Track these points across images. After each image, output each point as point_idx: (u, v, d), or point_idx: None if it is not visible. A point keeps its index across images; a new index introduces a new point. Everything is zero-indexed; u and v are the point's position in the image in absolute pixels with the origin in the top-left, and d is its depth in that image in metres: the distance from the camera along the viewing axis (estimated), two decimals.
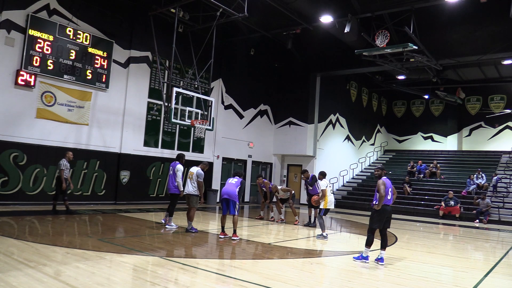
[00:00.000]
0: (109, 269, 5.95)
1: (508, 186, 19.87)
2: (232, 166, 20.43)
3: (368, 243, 7.47)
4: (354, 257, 7.65)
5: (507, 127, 26.47)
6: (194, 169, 9.86)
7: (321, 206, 10.30)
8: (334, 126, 24.15)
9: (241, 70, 20.82)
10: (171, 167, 10.52)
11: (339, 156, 24.52)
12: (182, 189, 10.12)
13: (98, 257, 6.49)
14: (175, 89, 14.29)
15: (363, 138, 27.54)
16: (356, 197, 22.14)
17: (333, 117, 24.00)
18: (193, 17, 16.30)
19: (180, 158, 10.61)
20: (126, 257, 6.66)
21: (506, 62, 19.95)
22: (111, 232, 9.35)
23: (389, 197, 7.45)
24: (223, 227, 9.44)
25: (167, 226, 10.31)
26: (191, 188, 9.72)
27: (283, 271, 6.47)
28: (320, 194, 10.36)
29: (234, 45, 20.04)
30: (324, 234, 10.17)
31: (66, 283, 4.95)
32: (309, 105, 22.06)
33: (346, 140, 25.50)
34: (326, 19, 16.28)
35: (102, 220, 11.21)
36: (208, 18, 15.85)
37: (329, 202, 10.25)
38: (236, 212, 9.10)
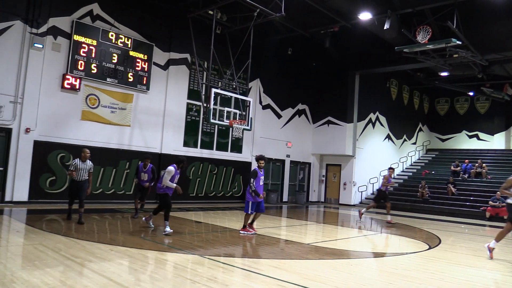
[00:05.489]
0: (151, 267, 6.09)
1: None
2: (270, 166, 20.43)
3: None
4: None
5: None
6: None
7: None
8: (374, 125, 23.69)
9: (279, 69, 20.80)
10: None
11: (379, 156, 24.02)
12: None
13: (140, 255, 6.65)
14: (213, 90, 14.46)
15: (404, 137, 26.84)
16: (397, 197, 21.56)
17: (372, 116, 23.54)
18: (231, 18, 16.45)
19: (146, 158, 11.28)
20: (167, 255, 6.80)
21: None
22: (152, 230, 9.56)
23: None
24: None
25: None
26: None
27: (322, 271, 6.40)
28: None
29: (272, 45, 20.04)
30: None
31: (110, 279, 5.10)
32: (348, 104, 21.75)
33: (387, 139, 24.95)
34: (365, 16, 15.98)
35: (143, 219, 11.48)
36: (246, 19, 15.95)
37: None
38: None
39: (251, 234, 9.58)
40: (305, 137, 22.50)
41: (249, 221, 9.82)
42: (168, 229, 8.91)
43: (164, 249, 7.35)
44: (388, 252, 8.90)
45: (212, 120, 14.35)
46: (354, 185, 21.93)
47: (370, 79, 22.85)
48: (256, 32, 16.67)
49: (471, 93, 26.91)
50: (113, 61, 14.47)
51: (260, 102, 19.88)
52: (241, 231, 9.73)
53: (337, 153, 21.97)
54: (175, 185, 9.05)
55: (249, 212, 9.56)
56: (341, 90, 21.97)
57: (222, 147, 18.21)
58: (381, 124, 24.44)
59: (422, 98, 29.64)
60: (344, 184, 22.11)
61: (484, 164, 22.42)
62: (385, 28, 15.72)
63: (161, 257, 6.64)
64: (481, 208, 17.99)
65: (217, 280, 5.47)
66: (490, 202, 17.71)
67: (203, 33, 16.16)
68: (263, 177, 9.68)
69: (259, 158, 9.64)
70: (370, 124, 23.40)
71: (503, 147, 26.75)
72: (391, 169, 14.53)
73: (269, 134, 20.27)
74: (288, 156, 21.27)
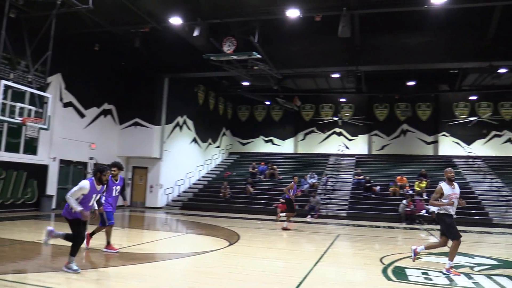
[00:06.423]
0: None
1: (334, 184, 22.63)
2: (71, 169, 18.89)
3: None
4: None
5: (334, 132, 30.12)
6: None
7: None
8: (181, 128, 24.21)
9: (84, 66, 19.32)
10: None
11: (186, 158, 24.67)
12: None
13: None
14: (3, 82, 12.63)
15: (210, 140, 28.18)
16: (202, 198, 22.55)
17: (180, 119, 24.04)
18: (29, 2, 14.55)
19: None
20: None
21: (333, 75, 22.86)
22: None
23: None
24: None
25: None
26: None
27: (124, 278, 6.25)
28: None
29: (77, 38, 18.43)
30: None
31: None
32: (156, 107, 21.78)
33: (193, 142, 25.80)
34: (176, 20, 16.26)
35: None
36: (47, 6, 14.32)
37: None
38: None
39: (115, 252, 8.25)
40: (111, 139, 21.51)
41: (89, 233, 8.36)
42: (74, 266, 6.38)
43: None
44: (192, 252, 9.22)
45: (0, 117, 12.50)
46: (160, 188, 22.00)
47: (179, 83, 23.27)
48: (60, 22, 15.03)
49: (267, 102, 30.11)
50: None
51: (61, 99, 18.21)
52: (104, 249, 8.31)
53: (144, 156, 21.70)
54: (80, 208, 6.25)
55: (108, 224, 8.29)
56: (149, 92, 21.79)
57: (12, 148, 15.95)
58: (188, 128, 25.15)
59: (226, 105, 31.64)
60: (151, 186, 21.98)
61: (274, 166, 25.28)
62: (194, 35, 16.30)
63: None
64: (274, 205, 20.16)
65: None
66: (281, 199, 19.99)
67: None
68: (118, 187, 8.37)
69: (111, 165, 8.15)
70: (178, 127, 23.84)
71: (292, 151, 30.69)
72: (295, 178, 14.63)
73: (70, 135, 18.67)
74: (91, 158, 19.97)
